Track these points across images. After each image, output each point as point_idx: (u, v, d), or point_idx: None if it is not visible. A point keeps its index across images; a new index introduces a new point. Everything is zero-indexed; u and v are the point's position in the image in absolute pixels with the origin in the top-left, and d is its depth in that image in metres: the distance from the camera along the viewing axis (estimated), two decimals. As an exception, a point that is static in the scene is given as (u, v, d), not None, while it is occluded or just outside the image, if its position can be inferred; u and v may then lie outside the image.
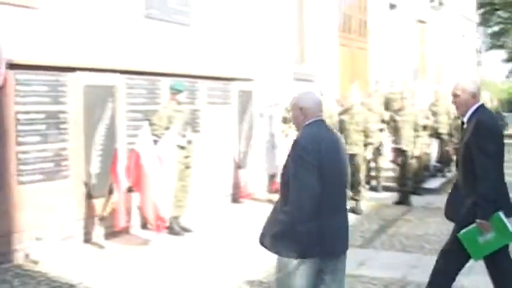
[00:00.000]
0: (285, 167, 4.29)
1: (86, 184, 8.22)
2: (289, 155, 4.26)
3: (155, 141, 8.34)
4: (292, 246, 4.12)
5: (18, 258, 7.35)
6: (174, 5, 9.94)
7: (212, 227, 9.18)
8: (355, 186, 10.40)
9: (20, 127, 7.42)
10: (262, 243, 4.37)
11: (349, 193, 10.35)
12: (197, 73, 10.35)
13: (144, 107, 9.22)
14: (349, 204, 10.33)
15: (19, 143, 7.41)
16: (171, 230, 8.70)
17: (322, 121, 4.39)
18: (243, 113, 11.67)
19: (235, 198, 11.34)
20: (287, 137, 11.22)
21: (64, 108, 7.99)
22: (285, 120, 11.95)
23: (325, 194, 4.12)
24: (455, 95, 5.23)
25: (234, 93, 11.46)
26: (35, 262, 7.33)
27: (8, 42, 7.10)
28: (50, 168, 7.80)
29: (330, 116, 11.97)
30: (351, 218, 9.88)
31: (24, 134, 7.46)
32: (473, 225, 4.96)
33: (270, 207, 4.45)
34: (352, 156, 10.26)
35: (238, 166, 11.40)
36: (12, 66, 7.20)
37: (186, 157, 8.87)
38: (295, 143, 4.22)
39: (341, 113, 10.81)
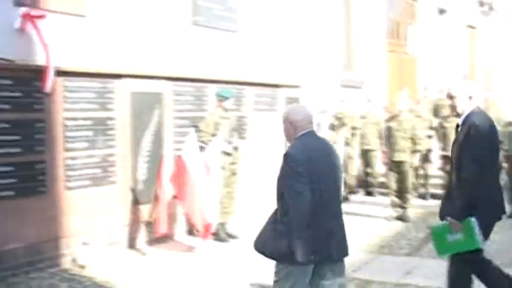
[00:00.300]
0: (279, 179, 4.44)
1: (133, 190, 8.20)
2: (281, 167, 4.42)
3: (202, 148, 8.28)
4: (292, 253, 4.27)
5: (66, 262, 7.37)
6: (221, 12, 9.89)
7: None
8: (402, 194, 10.18)
9: (68, 133, 7.45)
10: (257, 248, 4.54)
11: (397, 200, 10.16)
12: (244, 79, 10.28)
13: (191, 114, 9.17)
14: (397, 211, 10.14)
15: (67, 149, 7.43)
16: (217, 237, 8.62)
17: (312, 133, 4.55)
18: (290, 120, 11.51)
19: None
20: (335, 144, 11.07)
21: (111, 114, 8.00)
22: (332, 127, 11.82)
23: (317, 201, 4.27)
24: (451, 97, 5.18)
25: (281, 100, 11.34)
26: (82, 267, 7.33)
27: (57, 50, 7.13)
28: (97, 174, 7.81)
29: (377, 123, 11.84)
30: (399, 225, 9.84)
31: (72, 140, 7.49)
32: (446, 222, 5.06)
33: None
34: (400, 164, 10.04)
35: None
36: (60, 73, 7.24)
37: (233, 163, 8.79)
38: (286, 155, 4.39)
39: (388, 120, 10.60)
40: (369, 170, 12.45)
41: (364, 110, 12.51)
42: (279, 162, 4.45)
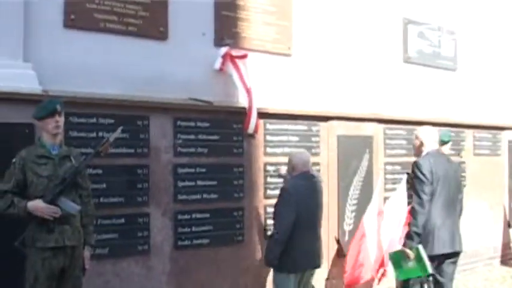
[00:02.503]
0: (275, 205, 5.39)
1: (338, 241, 7.04)
2: (278, 197, 5.40)
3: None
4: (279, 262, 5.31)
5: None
6: (436, 49, 8.52)
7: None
8: None
9: (269, 179, 6.49)
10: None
11: None
12: (462, 121, 8.78)
13: (404, 159, 7.85)
14: None
15: (267, 196, 6.46)
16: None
17: (304, 173, 5.41)
18: (514, 166, 9.76)
19: (504, 261, 9.42)
20: None
21: (317, 159, 6.90)
22: None
23: (300, 224, 5.16)
24: (414, 140, 5.59)
25: (504, 144, 9.61)
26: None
27: (258, 90, 6.26)
28: (300, 223, 6.75)
29: None
30: None
31: (273, 186, 6.48)
32: (400, 249, 5.29)
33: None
34: None
35: (509, 225, 9.51)
36: (261, 115, 6.30)
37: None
38: (283, 189, 5.37)
39: None
40: None
41: None
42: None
